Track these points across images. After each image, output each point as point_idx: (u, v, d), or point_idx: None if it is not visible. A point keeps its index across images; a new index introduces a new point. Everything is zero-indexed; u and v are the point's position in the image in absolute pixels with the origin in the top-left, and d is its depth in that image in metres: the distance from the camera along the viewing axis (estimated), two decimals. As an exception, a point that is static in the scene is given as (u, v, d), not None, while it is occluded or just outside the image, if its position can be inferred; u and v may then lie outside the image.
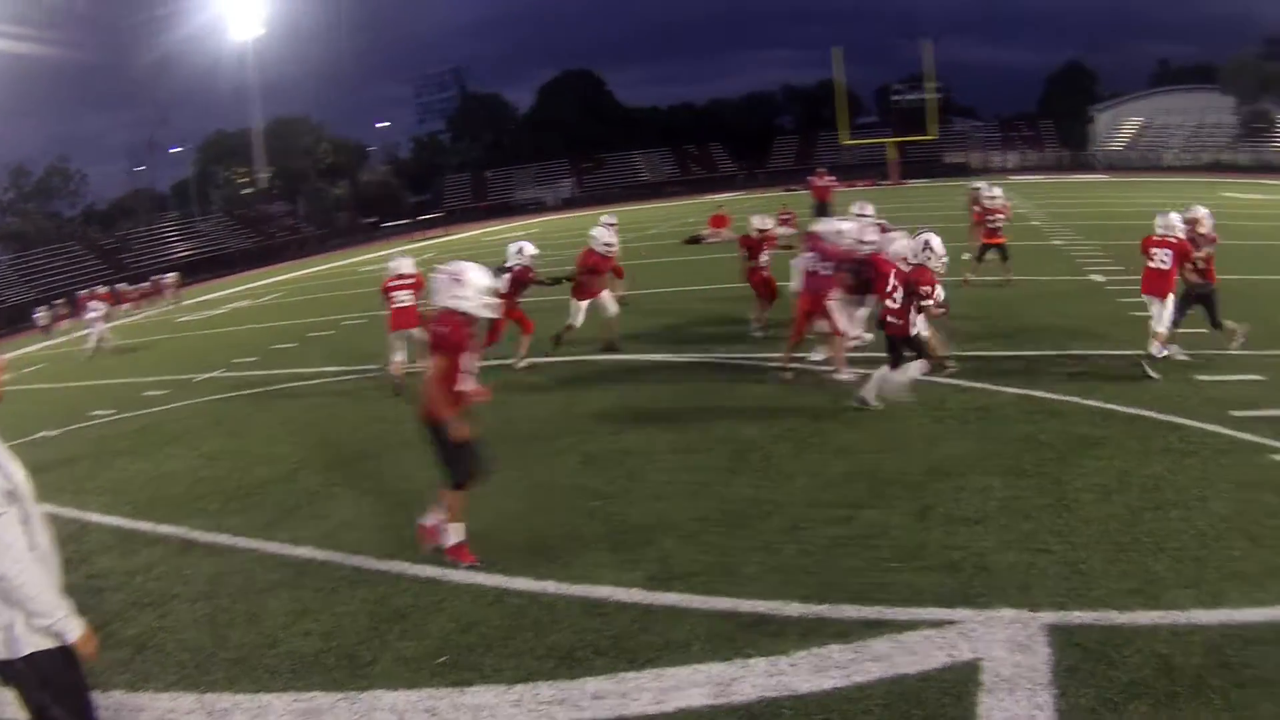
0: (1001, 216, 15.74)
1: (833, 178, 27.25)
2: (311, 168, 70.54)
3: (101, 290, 35.42)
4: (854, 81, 77.80)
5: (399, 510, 6.97)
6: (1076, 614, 4.88)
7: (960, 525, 6.14)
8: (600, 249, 12.46)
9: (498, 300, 5.50)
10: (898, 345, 8.66)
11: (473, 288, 5.60)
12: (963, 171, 64.83)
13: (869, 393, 8.82)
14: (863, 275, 9.81)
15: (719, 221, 27.13)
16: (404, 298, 11.53)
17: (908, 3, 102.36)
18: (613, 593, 5.26)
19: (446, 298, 5.60)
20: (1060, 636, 4.66)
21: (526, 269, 11.83)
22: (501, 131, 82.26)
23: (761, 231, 13.20)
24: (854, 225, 10.42)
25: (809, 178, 28.13)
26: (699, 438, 8.24)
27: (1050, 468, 7.07)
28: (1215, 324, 10.04)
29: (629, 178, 73.69)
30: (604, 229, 12.86)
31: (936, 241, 8.69)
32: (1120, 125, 75.17)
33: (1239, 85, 66.36)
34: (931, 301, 8.54)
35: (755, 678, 4.40)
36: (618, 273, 14.67)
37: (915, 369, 8.75)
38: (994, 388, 9.34)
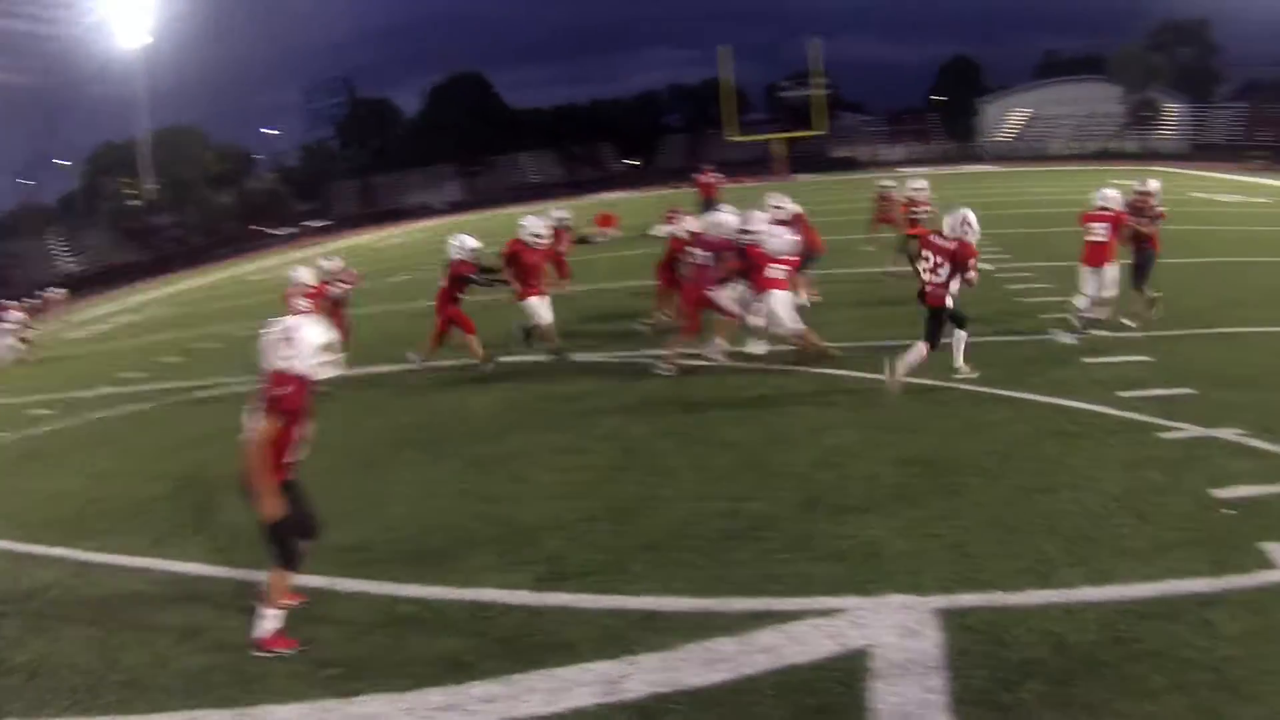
0: (926, 209, 16.62)
1: (718, 174, 28.83)
2: (199, 177, 72.76)
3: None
4: (742, 80, 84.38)
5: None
6: (966, 597, 5.24)
7: (848, 514, 6.51)
8: (528, 239, 12.31)
9: (333, 356, 5.37)
10: (938, 316, 9.43)
11: (306, 346, 5.39)
12: (850, 165, 69.99)
13: (900, 368, 9.32)
14: (740, 263, 10.50)
15: (606, 220, 28.66)
16: (303, 306, 11.48)
17: (797, 1, 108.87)
18: (501, 595, 5.51)
19: (277, 359, 5.39)
20: (950, 620, 4.99)
21: (464, 263, 11.87)
22: (390, 137, 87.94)
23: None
24: (733, 217, 11.07)
25: (695, 175, 29.85)
26: (585, 437, 8.67)
27: (938, 454, 7.59)
28: (1138, 287, 11.47)
29: (517, 180, 77.78)
30: (535, 219, 12.76)
31: (973, 217, 9.40)
32: (1007, 117, 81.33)
33: (1126, 75, 73.11)
34: (974, 273, 9.37)
35: (645, 674, 4.64)
36: (561, 269, 14.69)
37: (961, 338, 9.71)
38: (877, 376, 9.80)
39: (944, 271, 9.34)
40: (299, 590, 5.66)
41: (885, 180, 21.11)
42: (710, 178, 27.83)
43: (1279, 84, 72.34)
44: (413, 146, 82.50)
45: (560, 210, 19.03)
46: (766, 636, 4.87)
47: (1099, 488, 6.69)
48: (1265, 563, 5.45)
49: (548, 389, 10.65)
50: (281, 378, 5.36)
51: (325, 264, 13.27)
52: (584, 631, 5.07)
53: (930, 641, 4.79)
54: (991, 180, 45.45)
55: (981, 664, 4.58)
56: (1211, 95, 77.80)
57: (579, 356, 12.14)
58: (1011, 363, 10.27)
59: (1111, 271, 11.09)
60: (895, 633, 4.87)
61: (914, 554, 5.84)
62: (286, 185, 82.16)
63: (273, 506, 5.21)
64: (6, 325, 23.82)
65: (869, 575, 5.56)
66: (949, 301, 9.38)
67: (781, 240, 10.43)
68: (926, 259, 9.45)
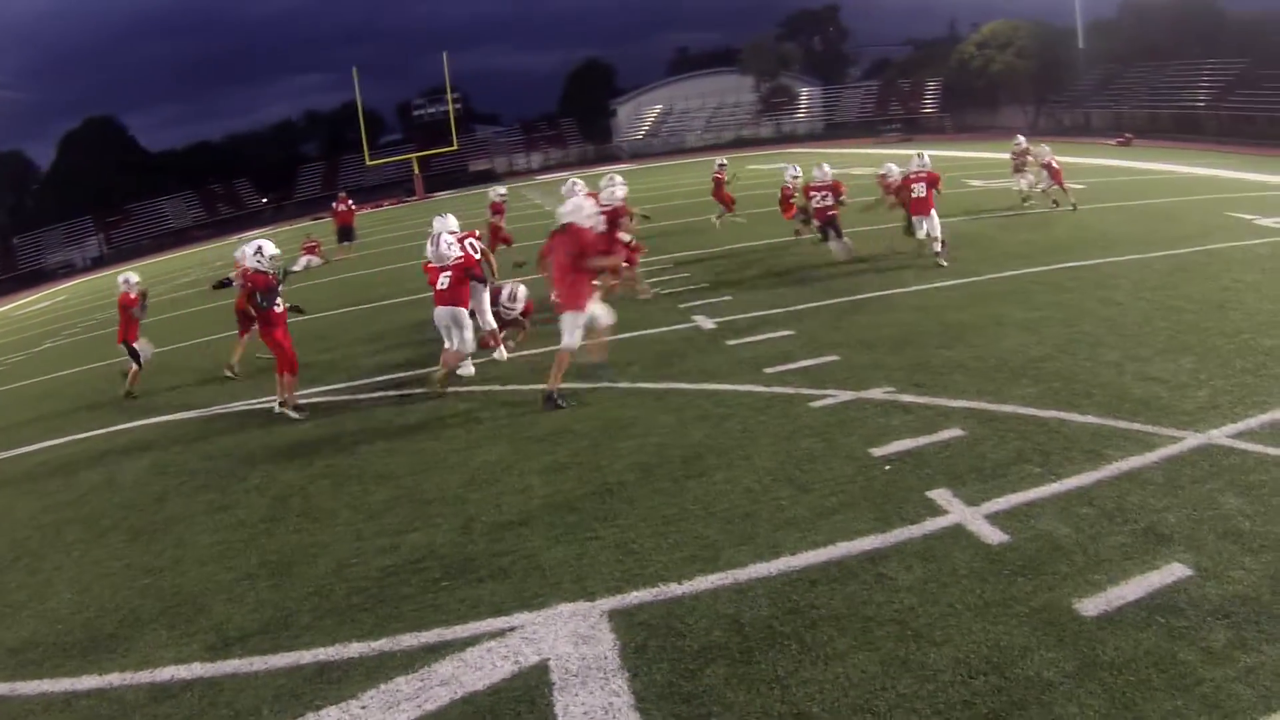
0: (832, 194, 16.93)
1: (351, 202, 30.87)
2: None
3: None
4: (378, 100, 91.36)
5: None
6: (635, 594, 5.50)
7: (505, 530, 6.69)
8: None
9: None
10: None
11: None
12: (488, 178, 73.31)
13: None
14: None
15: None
16: None
17: (425, 17, 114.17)
18: (175, 672, 5.51)
19: None
20: (622, 620, 5.22)
21: (262, 274, 11.08)
22: (25, 192, 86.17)
23: None
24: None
25: (333, 204, 31.63)
26: (237, 491, 8.57)
27: (587, 456, 7.97)
28: (909, 231, 15.58)
29: (157, 226, 78.03)
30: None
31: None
32: (642, 114, 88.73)
33: (757, 65, 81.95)
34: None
35: (330, 728, 4.74)
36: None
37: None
38: (522, 387, 10.31)
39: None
40: None
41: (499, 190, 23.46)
42: (345, 205, 30.12)
43: (907, 61, 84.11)
44: (50, 201, 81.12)
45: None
46: (444, 668, 5.03)
47: (753, 464, 7.26)
48: (933, 510, 6.13)
49: (196, 446, 10.38)
50: None
51: None
52: (262, 695, 5.09)
53: (606, 645, 5.01)
54: (627, 178, 48.16)
55: (660, 658, 4.81)
56: (844, 77, 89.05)
57: (222, 409, 11.83)
58: (655, 355, 11.01)
59: (935, 216, 15.04)
60: (570, 641, 5.09)
61: (576, 560, 6.07)
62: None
63: None
64: None
65: (535, 589, 5.77)
66: None
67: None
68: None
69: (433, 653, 5.19)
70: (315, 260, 29.19)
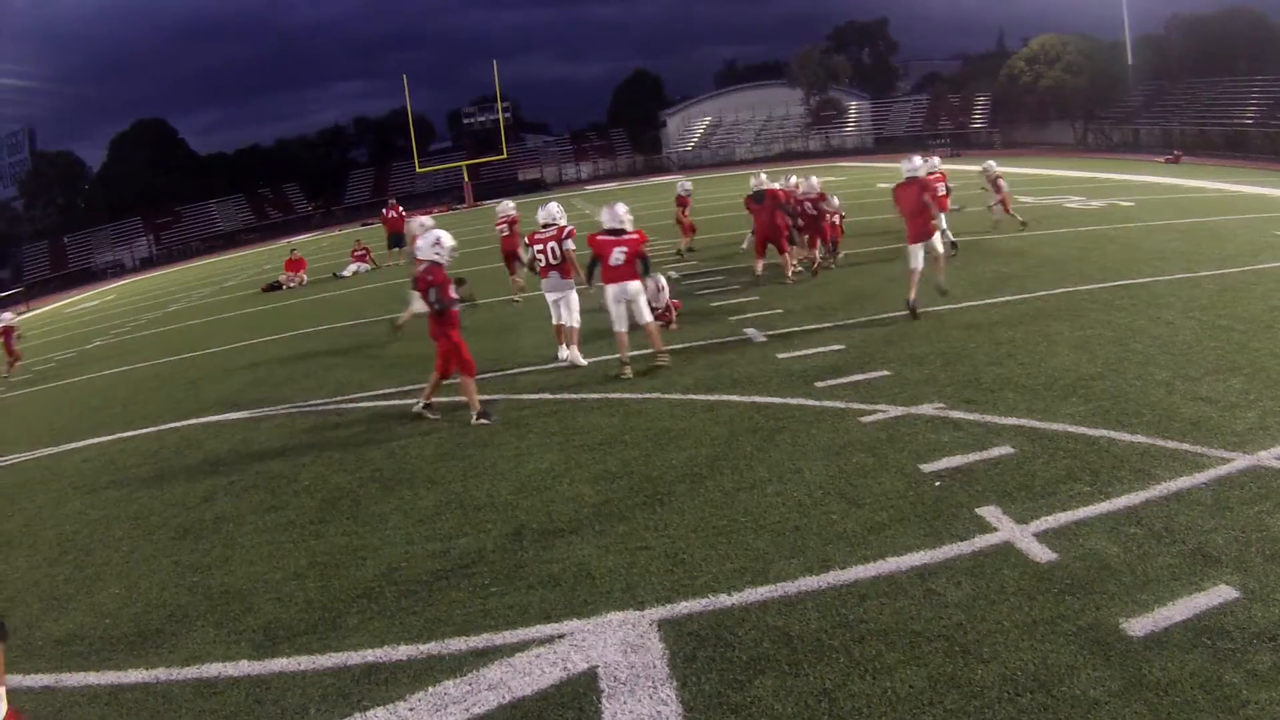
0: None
1: (402, 209, 31.13)
2: None
3: None
4: (427, 107, 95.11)
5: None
6: (685, 604, 5.51)
7: (556, 538, 6.72)
8: None
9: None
10: None
11: None
12: (537, 187, 76.09)
13: None
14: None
15: (295, 265, 29.58)
16: None
17: (476, 25, 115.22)
18: (222, 669, 5.56)
19: None
20: (672, 629, 5.24)
21: (439, 267, 10.31)
22: (76, 192, 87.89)
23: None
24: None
25: (383, 210, 31.87)
26: (287, 493, 8.64)
27: (639, 466, 7.99)
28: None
29: (206, 229, 79.69)
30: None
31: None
32: (691, 126, 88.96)
33: (805, 78, 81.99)
34: None
35: (378, 729, 4.76)
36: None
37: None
38: (574, 396, 10.35)
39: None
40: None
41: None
42: (395, 212, 30.24)
43: (956, 76, 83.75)
44: (99, 201, 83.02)
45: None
46: (492, 673, 5.05)
47: (803, 478, 7.26)
48: (982, 527, 6.10)
49: (245, 446, 10.49)
50: None
51: None
52: (309, 694, 5.13)
53: (655, 654, 5.01)
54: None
55: (709, 668, 4.82)
56: (892, 91, 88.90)
57: (271, 410, 11.93)
58: (706, 366, 11.03)
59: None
60: (619, 650, 5.10)
61: (627, 569, 6.09)
62: (-28, 253, 78.50)
63: None
64: None
65: (585, 596, 5.78)
66: None
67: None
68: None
69: (481, 657, 5.23)
70: (365, 266, 29.92)
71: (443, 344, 10.07)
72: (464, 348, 10.04)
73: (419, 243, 10.50)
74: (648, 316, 11.35)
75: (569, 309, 12.07)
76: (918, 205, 12.64)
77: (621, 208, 11.29)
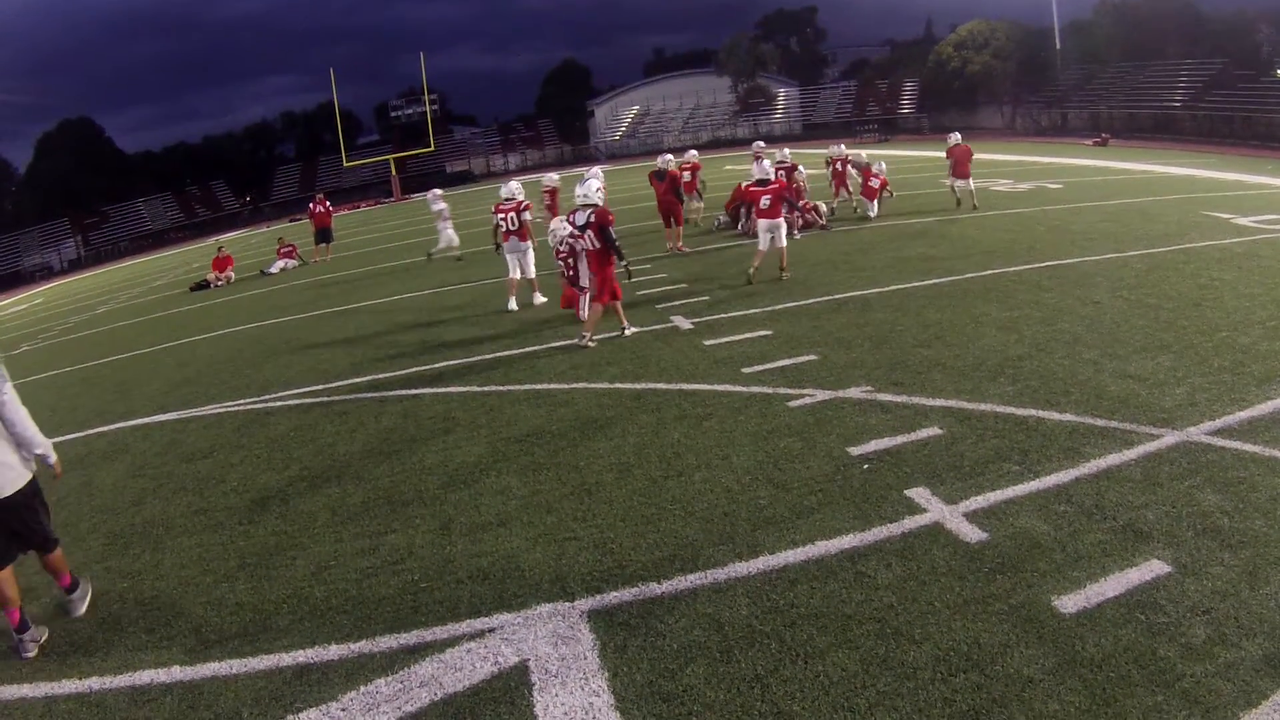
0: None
1: (328, 203, 31.26)
2: None
3: None
4: (355, 101, 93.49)
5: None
6: (614, 594, 5.51)
7: (484, 531, 6.68)
8: None
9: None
10: None
11: None
12: (466, 179, 77.26)
13: None
14: None
15: (222, 264, 29.29)
16: None
17: (403, 18, 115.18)
18: (155, 675, 5.52)
19: None
20: (602, 620, 5.23)
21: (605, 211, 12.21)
22: (1, 194, 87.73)
23: None
24: None
25: (310, 205, 31.88)
26: (215, 494, 8.55)
27: (566, 456, 7.98)
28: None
29: (135, 229, 78.69)
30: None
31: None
32: (619, 116, 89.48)
33: (733, 66, 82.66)
34: None
35: (310, 730, 4.78)
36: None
37: None
38: (500, 388, 10.28)
39: None
40: None
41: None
42: (322, 207, 30.53)
43: (884, 62, 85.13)
44: (27, 203, 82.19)
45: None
46: (423, 669, 5.06)
47: (731, 465, 7.29)
48: (911, 508, 6.17)
49: (173, 449, 10.31)
50: None
51: None
52: (242, 697, 5.12)
53: (585, 645, 5.02)
54: (609, 178, 48.51)
55: (640, 658, 4.83)
56: (821, 78, 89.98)
57: (199, 410, 11.72)
58: (632, 355, 11.07)
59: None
60: (549, 642, 5.11)
61: (555, 560, 6.07)
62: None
63: None
64: None
65: (514, 589, 5.77)
66: None
67: None
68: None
69: (412, 654, 5.21)
70: (293, 263, 29.56)
71: (602, 276, 12.03)
72: (615, 278, 12.03)
73: (579, 189, 12.29)
74: (783, 241, 14.77)
75: (525, 266, 15.26)
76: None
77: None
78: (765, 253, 14.84)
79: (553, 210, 21.11)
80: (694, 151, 24.98)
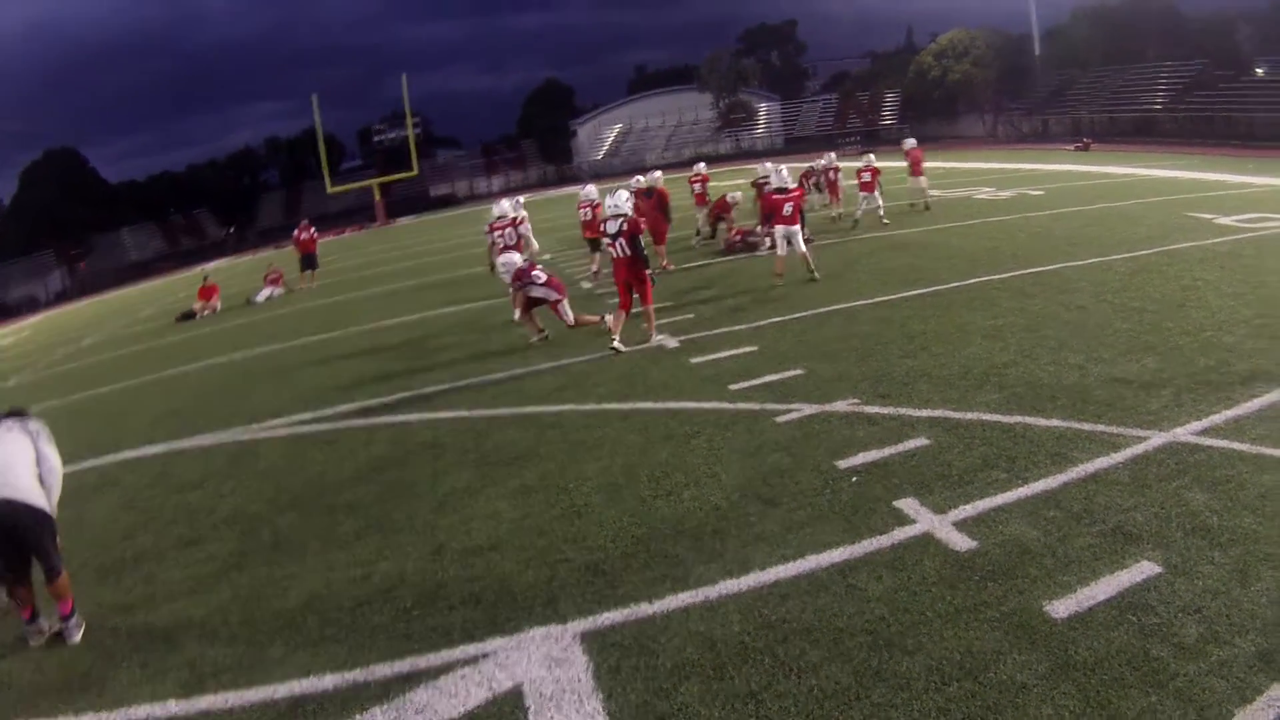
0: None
1: (314, 229, 31.28)
2: None
3: None
4: (338, 126, 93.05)
5: None
6: (606, 615, 5.52)
7: (475, 556, 6.69)
8: None
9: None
10: None
11: None
12: (449, 202, 77.98)
13: None
14: None
15: (208, 293, 29.27)
16: None
17: (385, 42, 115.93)
18: (151, 710, 5.47)
19: None
20: (595, 641, 5.24)
21: (636, 221, 12.80)
22: None
23: None
24: None
25: (294, 232, 31.95)
26: (205, 525, 8.53)
27: (555, 479, 7.99)
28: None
29: (121, 259, 78.29)
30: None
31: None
32: (602, 134, 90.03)
33: (715, 81, 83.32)
34: None
35: (305, 763, 4.78)
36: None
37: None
38: (488, 412, 10.29)
39: None
40: None
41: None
42: (307, 233, 30.62)
43: (865, 74, 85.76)
44: (11, 234, 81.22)
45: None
46: (418, 697, 5.05)
47: (720, 482, 7.32)
48: (900, 519, 6.21)
49: (162, 481, 10.29)
50: None
51: None
52: None
53: (579, 667, 5.02)
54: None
55: (634, 678, 4.83)
56: (802, 91, 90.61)
57: (188, 442, 11.71)
58: (619, 375, 11.10)
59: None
60: (543, 665, 5.11)
61: (547, 583, 6.08)
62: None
63: None
64: None
65: (507, 613, 5.77)
66: None
67: None
68: None
69: (407, 682, 5.20)
70: (278, 291, 29.54)
71: (635, 282, 12.55)
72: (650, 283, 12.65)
73: (609, 200, 12.84)
74: (803, 248, 15.45)
75: None
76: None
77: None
78: (785, 258, 15.35)
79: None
80: (702, 164, 25.82)
